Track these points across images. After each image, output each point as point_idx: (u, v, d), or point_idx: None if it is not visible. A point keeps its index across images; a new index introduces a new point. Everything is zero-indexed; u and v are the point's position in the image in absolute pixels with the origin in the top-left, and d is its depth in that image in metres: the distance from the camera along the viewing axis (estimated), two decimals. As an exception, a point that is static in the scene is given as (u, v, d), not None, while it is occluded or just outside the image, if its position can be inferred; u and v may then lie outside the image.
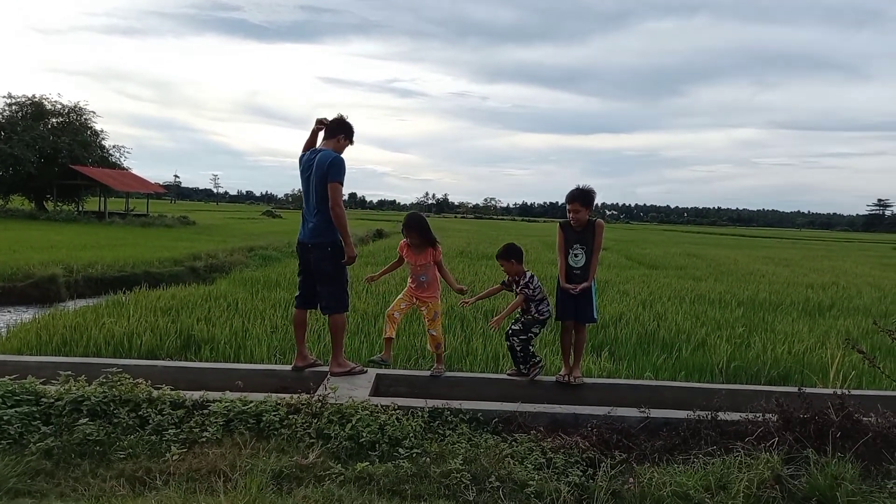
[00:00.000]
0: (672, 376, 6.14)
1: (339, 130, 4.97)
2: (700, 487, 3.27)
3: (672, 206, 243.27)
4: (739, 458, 3.52)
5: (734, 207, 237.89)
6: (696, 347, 7.25)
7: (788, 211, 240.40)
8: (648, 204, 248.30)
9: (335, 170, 4.73)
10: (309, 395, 3.99)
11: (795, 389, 4.44)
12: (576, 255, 5.03)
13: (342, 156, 4.91)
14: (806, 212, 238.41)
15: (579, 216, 4.98)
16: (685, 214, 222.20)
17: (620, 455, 3.67)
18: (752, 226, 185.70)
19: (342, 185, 4.76)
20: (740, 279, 15.63)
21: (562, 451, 3.68)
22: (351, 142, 5.06)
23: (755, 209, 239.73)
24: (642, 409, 4.17)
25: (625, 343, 7.38)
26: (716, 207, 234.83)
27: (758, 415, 3.97)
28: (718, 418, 3.99)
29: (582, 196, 5.00)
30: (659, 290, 12.28)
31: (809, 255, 31.96)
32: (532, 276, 5.24)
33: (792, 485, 3.37)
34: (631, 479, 3.43)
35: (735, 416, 4.05)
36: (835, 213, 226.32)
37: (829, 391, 4.48)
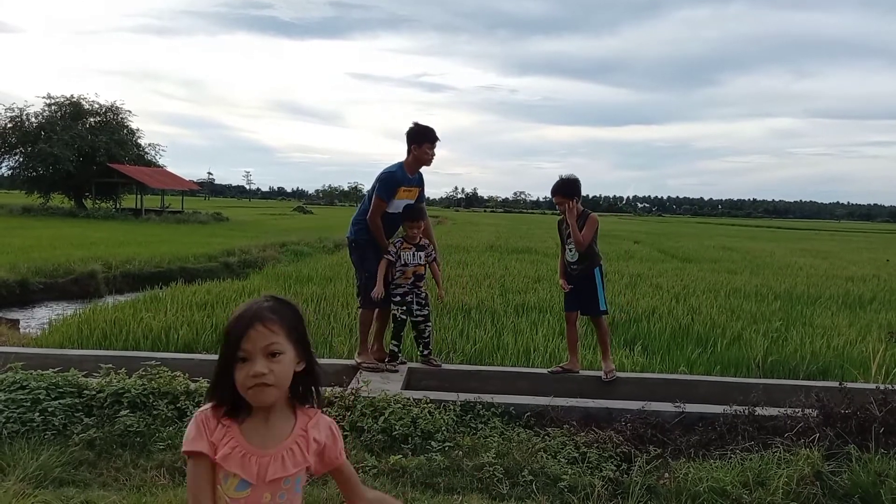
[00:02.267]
0: (707, 371, 6.05)
1: (408, 141, 4.96)
2: (737, 483, 3.22)
3: (705, 198, 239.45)
4: (778, 453, 3.45)
5: (770, 199, 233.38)
6: (732, 342, 7.12)
7: (827, 202, 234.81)
8: (681, 196, 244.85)
9: (380, 185, 4.91)
10: (342, 389, 4.03)
11: (836, 384, 4.35)
12: (570, 250, 4.90)
13: (414, 165, 5.00)
14: (845, 203, 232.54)
15: (565, 208, 4.81)
16: (719, 206, 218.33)
17: (655, 450, 3.63)
18: (789, 217, 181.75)
19: (384, 200, 4.90)
20: (777, 272, 15.31)
21: (595, 445, 3.65)
22: (425, 144, 4.93)
23: (792, 200, 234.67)
24: (677, 404, 4.12)
25: (658, 337, 7.29)
26: (751, 199, 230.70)
27: (797, 410, 3.89)
28: (756, 413, 3.91)
29: (563, 187, 4.83)
30: (693, 283, 12.10)
31: (849, 246, 31.16)
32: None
33: (833, 481, 3.30)
34: (666, 475, 3.39)
35: (773, 411, 3.97)
36: (875, 204, 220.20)
37: (872, 386, 4.37)
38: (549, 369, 5.07)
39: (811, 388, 4.25)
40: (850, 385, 4.36)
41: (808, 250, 25.84)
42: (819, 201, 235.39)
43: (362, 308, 5.06)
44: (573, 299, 5.04)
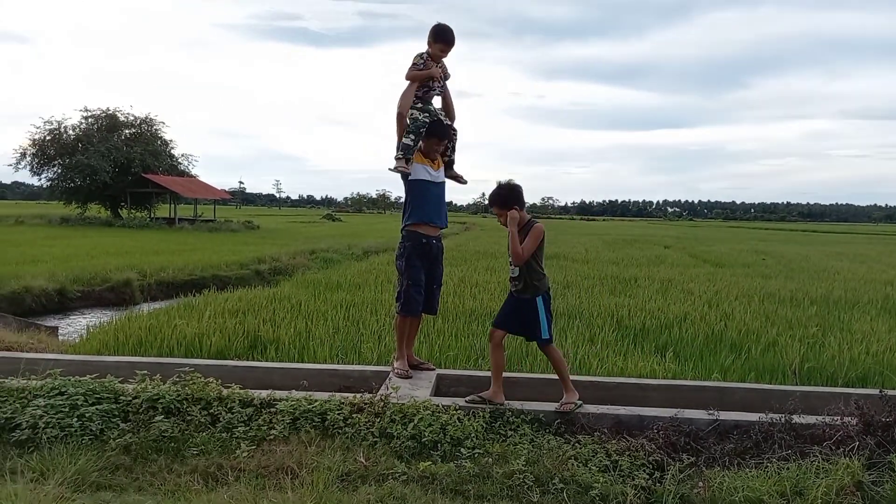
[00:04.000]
0: (741, 378, 5.93)
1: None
2: (774, 493, 3.15)
3: (738, 202, 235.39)
4: (816, 463, 3.36)
5: (804, 202, 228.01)
6: (767, 348, 6.98)
7: (864, 204, 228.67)
8: (713, 200, 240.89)
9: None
10: (372, 395, 4.05)
11: (875, 392, 4.23)
12: (511, 263, 4.34)
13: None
14: (883, 205, 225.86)
15: (503, 220, 4.32)
16: (752, 210, 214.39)
17: (689, 458, 3.57)
18: (825, 221, 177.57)
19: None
20: (813, 276, 14.97)
21: (627, 453, 3.60)
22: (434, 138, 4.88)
23: (827, 203, 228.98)
24: (711, 412, 4.04)
25: (690, 343, 7.18)
26: (785, 202, 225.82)
27: (835, 418, 3.79)
28: (793, 421, 3.82)
29: (497, 197, 4.34)
30: (725, 288, 11.89)
31: (887, 250, 30.31)
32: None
33: (874, 492, 3.20)
34: (700, 484, 3.33)
35: (811, 419, 3.88)
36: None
37: (914, 394, 4.24)
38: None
39: (850, 396, 4.14)
40: (890, 392, 4.24)
41: (844, 254, 25.21)
42: (856, 203, 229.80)
43: (400, 314, 4.96)
44: (509, 317, 4.31)
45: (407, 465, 3.38)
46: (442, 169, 4.97)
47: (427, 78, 4.82)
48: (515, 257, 4.22)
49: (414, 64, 4.85)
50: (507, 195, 4.31)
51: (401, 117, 4.78)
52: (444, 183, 4.99)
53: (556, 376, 4.33)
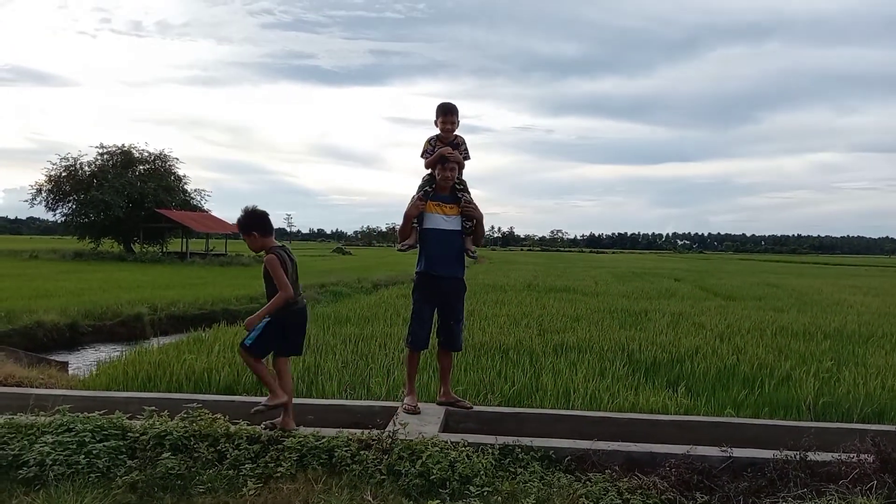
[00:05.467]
0: (755, 413, 5.84)
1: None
2: (790, 533, 3.07)
3: (748, 235, 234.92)
4: (833, 501, 3.29)
5: (815, 234, 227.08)
6: (780, 383, 6.88)
7: (876, 237, 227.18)
8: (723, 233, 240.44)
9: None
10: (379, 431, 4.02)
11: (893, 428, 4.15)
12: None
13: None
14: (895, 237, 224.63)
15: (253, 247, 4.40)
16: (762, 243, 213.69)
17: (702, 497, 3.50)
18: (836, 253, 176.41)
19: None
20: (826, 310, 14.81)
21: (639, 491, 3.54)
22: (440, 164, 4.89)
23: (839, 236, 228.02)
24: (724, 448, 3.98)
25: (702, 378, 7.09)
26: (795, 235, 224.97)
27: (852, 455, 3.72)
28: (808, 459, 3.75)
29: (238, 223, 4.41)
30: (737, 322, 11.78)
31: (902, 282, 30.00)
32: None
33: (894, 532, 3.12)
34: (714, 523, 3.26)
35: (826, 456, 3.80)
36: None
37: (932, 430, 4.16)
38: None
39: (866, 432, 4.07)
40: (908, 429, 4.16)
41: (858, 287, 24.97)
42: (868, 236, 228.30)
43: (407, 347, 4.98)
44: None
45: (415, 503, 3.34)
46: (458, 217, 4.88)
47: (439, 159, 4.81)
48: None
49: (425, 151, 4.91)
50: (244, 221, 4.37)
51: (407, 218, 4.79)
52: (458, 231, 4.88)
53: (567, 411, 4.31)
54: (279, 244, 4.52)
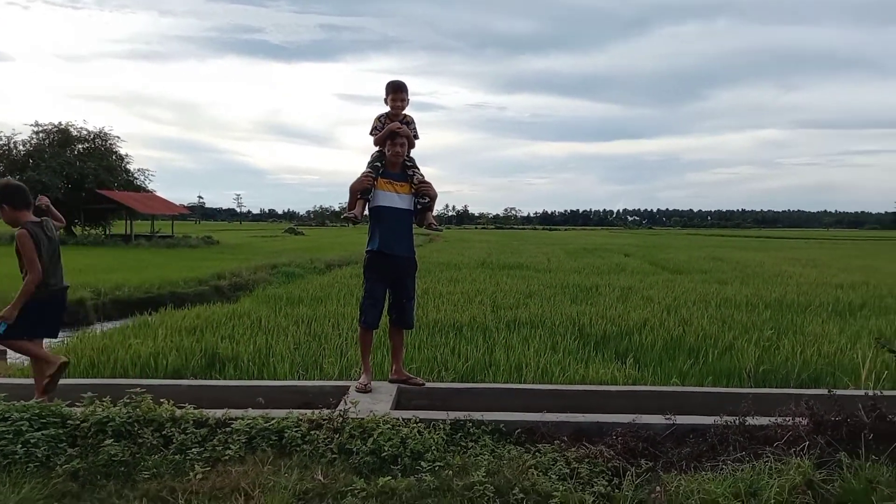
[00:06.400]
0: (699, 382, 6.04)
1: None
2: (729, 495, 3.20)
3: (695, 210, 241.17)
4: (769, 463, 3.43)
5: (759, 209, 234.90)
6: (724, 352, 7.13)
7: (815, 211, 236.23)
8: (671, 208, 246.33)
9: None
10: (330, 411, 3.99)
11: (825, 392, 4.34)
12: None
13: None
14: (833, 211, 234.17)
15: (6, 220, 4.32)
16: (709, 218, 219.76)
17: (647, 463, 3.60)
18: (778, 227, 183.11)
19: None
20: (767, 281, 15.38)
21: (586, 460, 3.62)
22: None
23: (780, 210, 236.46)
24: (668, 416, 4.09)
25: (650, 349, 7.29)
26: (740, 210, 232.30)
27: (787, 419, 3.87)
28: (747, 423, 3.90)
29: None
30: (683, 294, 12.13)
31: (838, 254, 31.37)
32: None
33: (824, 490, 3.28)
34: (658, 488, 3.36)
35: (764, 420, 3.96)
36: (863, 212, 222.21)
37: (861, 392, 4.37)
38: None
39: (801, 397, 4.24)
40: (839, 392, 4.36)
41: (797, 259, 25.99)
42: (807, 210, 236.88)
43: (360, 326, 4.94)
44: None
45: (366, 481, 3.34)
46: (409, 196, 4.84)
47: (389, 135, 4.76)
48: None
49: (374, 128, 4.85)
50: None
51: (352, 192, 4.71)
52: (409, 210, 4.85)
53: (519, 385, 4.37)
54: (37, 219, 4.31)
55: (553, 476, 3.44)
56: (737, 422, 3.91)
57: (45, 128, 38.33)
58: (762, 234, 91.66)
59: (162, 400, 3.97)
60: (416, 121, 4.98)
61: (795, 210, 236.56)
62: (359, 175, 4.75)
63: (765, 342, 7.55)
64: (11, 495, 3.10)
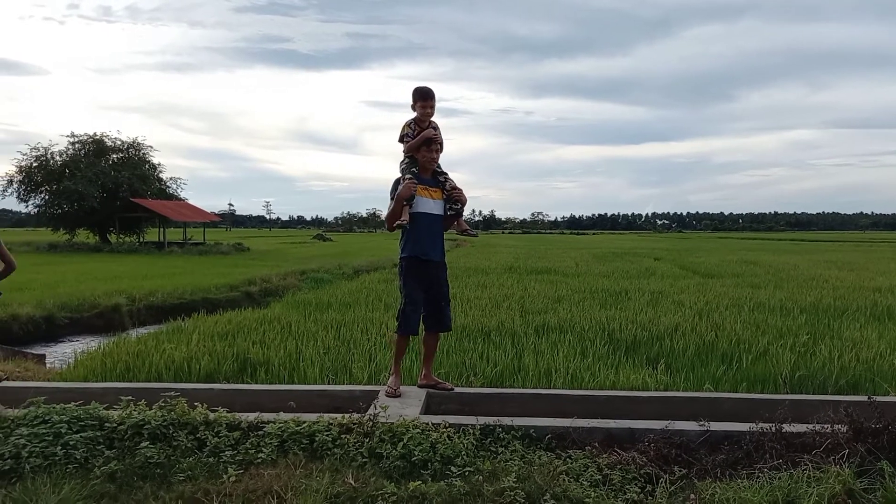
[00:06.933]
0: (733, 388, 5.93)
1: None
2: (766, 503, 3.13)
3: (726, 213, 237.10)
4: (807, 471, 3.35)
5: (791, 211, 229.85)
6: (758, 357, 6.99)
7: (850, 213, 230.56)
8: (701, 212, 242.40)
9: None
10: (360, 415, 4.01)
11: (865, 398, 4.23)
12: None
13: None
14: (869, 213, 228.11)
15: None
16: (740, 221, 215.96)
17: (680, 470, 3.55)
18: (812, 229, 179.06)
19: (391, 199, 4.81)
20: (802, 285, 15.05)
21: (618, 467, 3.58)
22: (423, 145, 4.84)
23: (814, 212, 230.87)
24: (701, 423, 4.03)
25: (681, 355, 7.18)
26: (772, 212, 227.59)
27: (826, 426, 3.78)
28: (783, 430, 3.81)
29: None
30: (716, 299, 11.93)
31: (875, 257, 30.56)
32: None
33: (865, 499, 3.19)
34: (692, 496, 3.31)
35: (801, 427, 3.87)
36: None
37: (903, 399, 4.25)
38: None
39: (840, 403, 4.14)
40: (879, 399, 4.24)
41: (833, 262, 25.39)
42: (842, 212, 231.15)
43: (398, 333, 4.93)
44: None
45: (397, 486, 3.35)
46: (442, 201, 4.89)
47: (423, 141, 4.77)
48: None
49: (405, 136, 4.84)
50: None
51: (400, 200, 4.69)
52: (441, 216, 4.90)
53: (548, 390, 4.33)
54: None
55: (584, 482, 3.41)
56: (773, 429, 3.83)
57: (81, 138, 39.28)
58: (796, 237, 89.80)
59: (195, 403, 4.04)
60: (441, 126, 5.00)
61: (830, 212, 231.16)
62: (400, 182, 4.76)
63: (800, 348, 7.38)
64: (52, 496, 3.18)
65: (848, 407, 3.86)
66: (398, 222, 4.74)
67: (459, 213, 4.94)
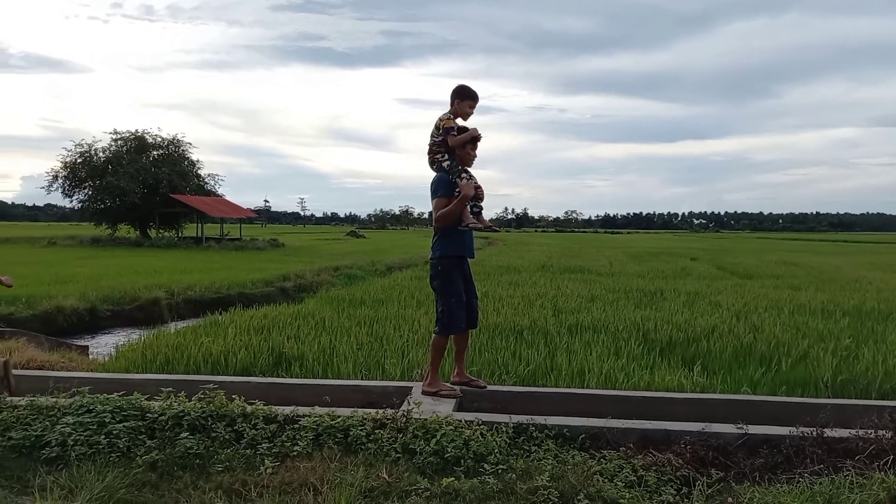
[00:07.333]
0: (771, 391, 5.81)
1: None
2: (806, 509, 3.06)
3: (765, 213, 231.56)
4: (850, 477, 3.27)
5: (834, 212, 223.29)
6: (798, 361, 6.83)
7: (895, 213, 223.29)
8: (739, 211, 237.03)
9: (435, 187, 4.81)
10: (394, 411, 4.04)
11: (912, 404, 4.11)
12: None
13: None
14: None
15: None
16: (780, 221, 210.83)
17: (717, 474, 3.49)
18: (855, 230, 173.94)
19: (445, 197, 4.72)
20: (844, 287, 14.64)
21: (653, 468, 3.54)
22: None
23: (858, 213, 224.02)
24: (739, 426, 3.96)
25: (718, 356, 7.05)
26: (813, 212, 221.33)
27: (869, 431, 3.69)
28: (825, 435, 3.73)
29: None
30: (754, 300, 11.69)
31: (923, 259, 29.57)
32: None
33: (912, 508, 3.10)
34: (730, 500, 3.26)
35: (843, 432, 3.78)
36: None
37: (952, 406, 4.11)
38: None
39: (884, 408, 4.03)
40: (927, 405, 4.12)
41: (877, 264, 24.66)
42: (887, 213, 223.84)
43: (441, 334, 4.82)
44: None
45: (430, 481, 3.36)
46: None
47: (470, 139, 4.76)
48: None
49: (450, 129, 4.74)
50: None
51: (466, 200, 4.69)
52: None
53: (582, 390, 4.30)
54: None
55: (619, 483, 3.38)
56: (814, 433, 3.74)
57: (123, 135, 40.31)
58: (838, 238, 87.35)
59: (233, 396, 4.12)
60: (476, 124, 5.02)
61: (875, 213, 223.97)
62: (458, 183, 4.71)
63: (843, 351, 7.18)
64: (97, 483, 3.27)
65: (893, 412, 3.76)
66: (470, 224, 4.73)
67: (481, 210, 5.00)
